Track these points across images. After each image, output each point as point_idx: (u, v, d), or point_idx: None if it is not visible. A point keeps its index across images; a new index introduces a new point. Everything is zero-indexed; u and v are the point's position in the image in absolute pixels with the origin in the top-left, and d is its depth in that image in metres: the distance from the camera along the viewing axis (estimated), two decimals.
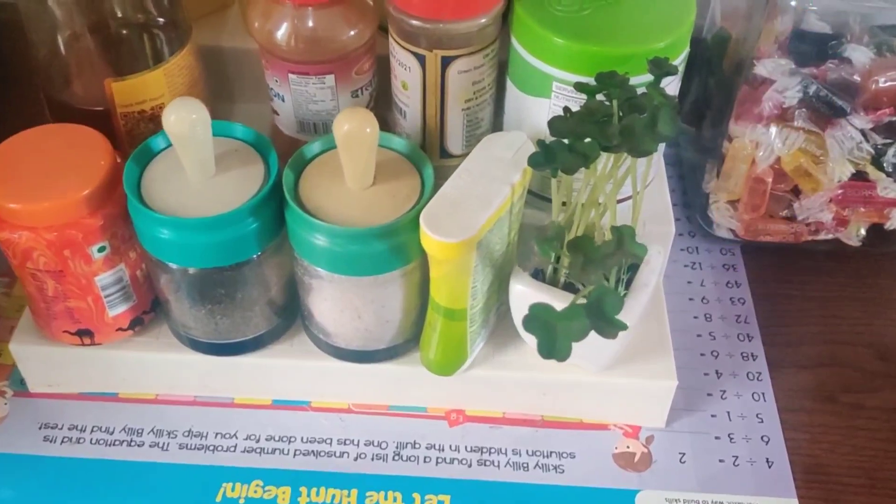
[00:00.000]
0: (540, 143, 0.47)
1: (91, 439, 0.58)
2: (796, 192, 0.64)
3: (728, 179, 0.65)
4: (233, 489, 0.55)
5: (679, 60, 0.52)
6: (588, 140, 0.46)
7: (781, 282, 0.68)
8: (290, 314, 0.57)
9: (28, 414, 0.59)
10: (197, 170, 0.50)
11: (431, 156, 0.57)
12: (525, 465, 0.56)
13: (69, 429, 0.58)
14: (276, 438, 0.58)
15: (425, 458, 0.57)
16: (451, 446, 0.57)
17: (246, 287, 0.52)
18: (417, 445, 0.57)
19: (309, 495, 0.55)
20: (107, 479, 0.56)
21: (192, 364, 0.57)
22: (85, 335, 0.56)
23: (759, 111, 0.61)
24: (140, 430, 0.58)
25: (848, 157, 0.62)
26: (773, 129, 0.61)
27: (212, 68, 0.62)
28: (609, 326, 0.43)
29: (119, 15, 0.54)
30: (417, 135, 0.56)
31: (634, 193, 0.51)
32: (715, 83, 0.67)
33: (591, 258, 0.44)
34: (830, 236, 0.66)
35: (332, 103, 0.56)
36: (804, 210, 0.64)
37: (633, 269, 0.54)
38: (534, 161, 0.47)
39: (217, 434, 0.58)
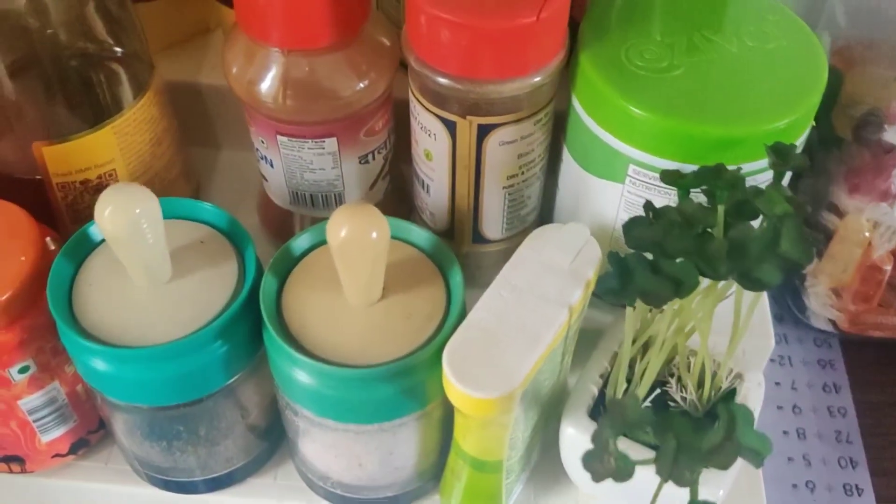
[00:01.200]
0: (612, 257, 0.33)
1: None
2: None
3: (834, 263, 0.51)
4: None
5: (800, 141, 0.38)
6: (681, 260, 0.33)
7: (892, 385, 0.55)
8: (276, 437, 0.44)
9: None
10: (144, 276, 0.37)
11: (462, 241, 0.44)
12: None
13: None
14: None
15: None
16: None
17: (212, 421, 0.40)
18: None
19: None
20: None
21: (148, 499, 0.44)
22: (13, 462, 0.43)
23: (885, 187, 0.47)
24: None
25: None
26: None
27: (189, 107, 0.49)
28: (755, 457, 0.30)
29: (54, 49, 0.40)
30: (444, 215, 0.43)
31: (736, 320, 0.37)
32: (818, 136, 0.54)
33: (688, 447, 0.31)
34: None
35: (333, 172, 0.43)
36: None
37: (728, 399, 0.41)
38: (604, 286, 0.33)
39: None
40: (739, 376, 0.41)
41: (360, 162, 0.43)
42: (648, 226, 0.35)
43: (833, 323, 0.54)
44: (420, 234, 0.39)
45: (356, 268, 0.35)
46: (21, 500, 0.46)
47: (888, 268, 0.50)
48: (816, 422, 0.53)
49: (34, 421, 0.41)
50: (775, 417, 0.53)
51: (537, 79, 0.37)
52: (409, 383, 0.36)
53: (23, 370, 0.39)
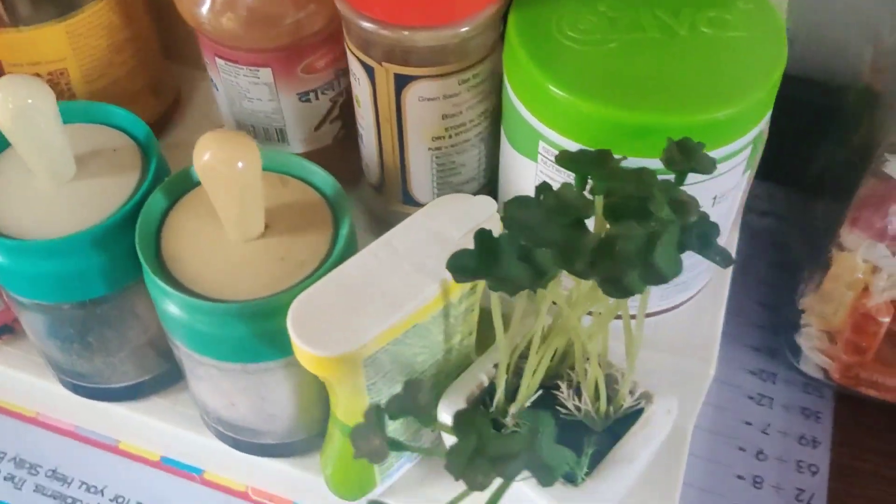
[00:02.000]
0: (478, 235, 0.30)
1: None
2: None
3: (827, 302, 0.46)
4: None
5: (743, 141, 0.33)
6: (546, 250, 0.30)
7: (878, 454, 0.48)
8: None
9: None
10: (43, 172, 0.37)
11: (391, 198, 0.42)
12: None
13: None
14: None
15: None
16: None
17: (102, 330, 0.40)
18: None
19: None
20: None
21: (63, 395, 0.45)
22: None
23: (881, 225, 0.41)
24: (1, 455, 0.48)
25: None
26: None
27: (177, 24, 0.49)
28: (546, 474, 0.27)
29: None
30: (375, 168, 0.41)
31: (627, 331, 0.33)
32: (844, 158, 0.48)
33: (486, 449, 0.28)
34: None
35: (271, 104, 0.41)
36: None
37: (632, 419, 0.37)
38: (455, 262, 0.30)
39: (82, 485, 0.47)
40: (648, 397, 0.37)
41: (299, 99, 0.41)
42: (528, 208, 0.32)
43: (825, 371, 0.48)
44: (324, 179, 0.37)
45: (223, 197, 0.34)
46: None
47: (885, 320, 0.44)
48: (779, 473, 0.47)
49: None
50: (733, 458, 0.48)
51: (452, 31, 0.34)
52: (268, 327, 0.35)
53: None
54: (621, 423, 0.36)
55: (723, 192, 0.35)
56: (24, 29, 0.41)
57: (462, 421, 0.28)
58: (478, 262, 0.30)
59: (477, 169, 0.41)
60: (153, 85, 0.47)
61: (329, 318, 0.32)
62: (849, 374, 0.47)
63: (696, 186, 0.34)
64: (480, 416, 0.28)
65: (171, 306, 0.35)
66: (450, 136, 0.38)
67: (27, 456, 0.48)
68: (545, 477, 0.27)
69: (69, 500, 0.46)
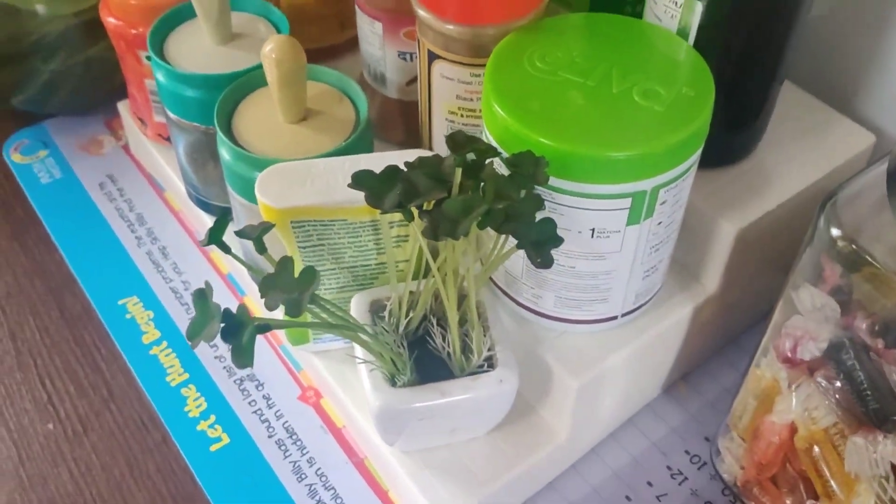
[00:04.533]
0: (387, 167, 0.41)
1: None
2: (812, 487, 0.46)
3: (741, 408, 0.49)
4: None
5: (627, 188, 0.40)
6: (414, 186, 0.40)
7: None
8: None
9: None
10: (210, 30, 0.54)
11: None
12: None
13: None
14: None
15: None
16: (277, 413, 0.55)
17: (208, 158, 0.56)
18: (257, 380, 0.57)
19: None
20: None
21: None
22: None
23: (779, 343, 0.44)
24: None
25: (874, 483, 0.43)
26: (796, 380, 0.44)
27: None
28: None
29: None
30: (419, 126, 0.53)
31: (470, 295, 0.42)
32: None
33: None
34: None
35: (379, 52, 0.54)
36: None
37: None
38: (356, 175, 0.41)
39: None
40: (493, 362, 0.45)
41: (398, 56, 0.54)
42: (429, 165, 0.41)
43: (734, 479, 0.51)
44: (355, 91, 0.50)
45: (272, 82, 0.48)
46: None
47: (776, 439, 0.46)
48: None
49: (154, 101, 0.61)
50: (615, 499, 0.52)
51: (444, 27, 0.45)
52: None
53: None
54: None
55: (602, 228, 0.42)
56: None
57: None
58: (371, 180, 0.41)
59: None
60: (341, 18, 0.62)
61: (281, 185, 0.45)
62: (747, 487, 0.50)
63: (573, 210, 0.41)
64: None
65: (225, 152, 0.50)
66: (461, 115, 0.49)
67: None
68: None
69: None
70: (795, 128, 0.53)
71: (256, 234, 0.40)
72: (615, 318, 0.47)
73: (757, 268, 0.53)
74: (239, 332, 0.38)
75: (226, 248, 0.40)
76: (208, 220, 0.60)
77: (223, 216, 0.40)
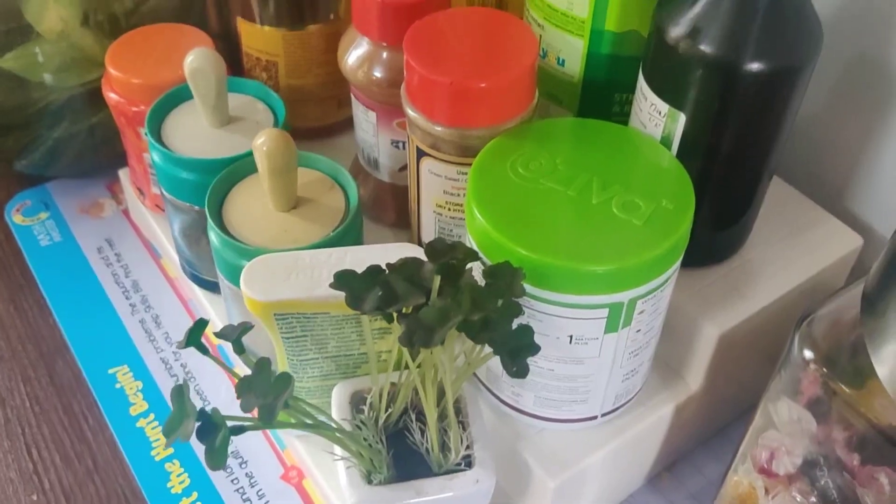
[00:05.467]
0: (369, 267, 0.42)
1: None
2: None
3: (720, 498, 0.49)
4: None
5: (603, 300, 0.40)
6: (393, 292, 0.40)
7: None
8: None
9: None
10: (208, 115, 0.55)
11: (412, 240, 0.54)
12: None
13: None
14: None
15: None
16: (259, 493, 0.56)
17: (201, 235, 0.56)
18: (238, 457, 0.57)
19: None
20: None
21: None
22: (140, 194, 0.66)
23: (755, 453, 0.44)
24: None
25: None
26: (773, 489, 0.44)
27: None
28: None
29: None
30: (409, 214, 0.53)
31: (448, 393, 0.42)
32: None
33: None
34: None
35: (373, 139, 0.55)
36: None
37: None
38: (338, 275, 0.41)
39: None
40: (470, 461, 0.45)
41: (391, 143, 0.55)
42: (414, 268, 0.42)
43: None
44: (326, 162, 0.51)
45: (263, 173, 0.49)
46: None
47: None
48: None
49: (152, 174, 0.62)
50: None
51: (432, 128, 0.45)
52: None
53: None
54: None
55: (580, 335, 0.42)
56: (260, 27, 0.59)
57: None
58: (353, 281, 0.42)
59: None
60: (338, 98, 0.63)
61: (265, 277, 0.45)
62: None
63: (551, 317, 0.42)
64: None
65: (214, 238, 0.50)
66: (448, 209, 0.49)
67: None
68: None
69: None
70: (783, 225, 0.54)
71: (235, 337, 0.40)
72: (595, 417, 0.47)
73: (742, 365, 0.53)
74: (213, 434, 0.38)
75: (204, 350, 0.41)
76: (202, 292, 0.61)
77: (200, 320, 0.41)
